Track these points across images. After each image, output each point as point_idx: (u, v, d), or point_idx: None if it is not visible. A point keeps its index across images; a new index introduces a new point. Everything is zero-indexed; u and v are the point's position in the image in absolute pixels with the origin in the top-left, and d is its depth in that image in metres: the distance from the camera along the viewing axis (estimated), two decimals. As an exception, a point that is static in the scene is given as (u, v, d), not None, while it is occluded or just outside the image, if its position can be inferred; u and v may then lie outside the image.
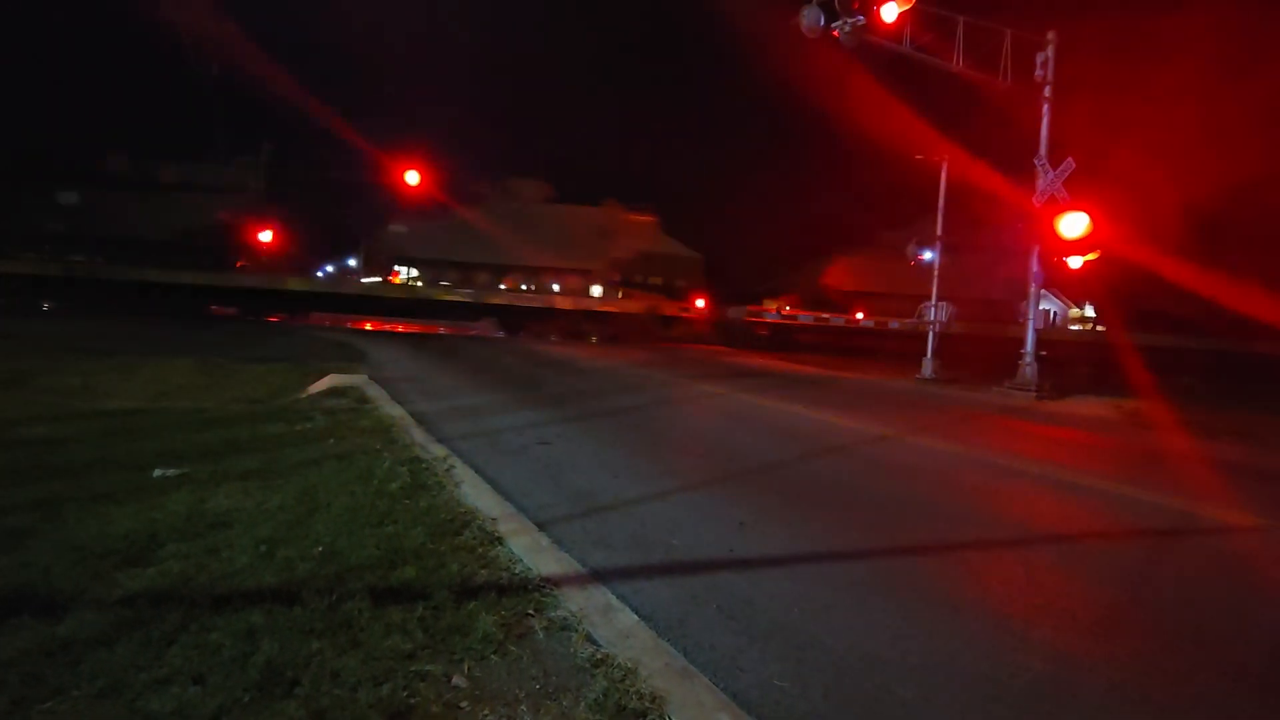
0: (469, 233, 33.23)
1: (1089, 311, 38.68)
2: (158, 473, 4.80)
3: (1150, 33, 18.42)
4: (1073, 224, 13.10)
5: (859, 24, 12.00)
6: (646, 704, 2.29)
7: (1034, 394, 13.59)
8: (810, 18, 12.08)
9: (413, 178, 23.38)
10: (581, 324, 29.42)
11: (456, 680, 2.42)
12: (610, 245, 34.20)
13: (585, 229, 33.76)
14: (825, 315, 30.71)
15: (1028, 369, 14.15)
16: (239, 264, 34.14)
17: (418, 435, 6.53)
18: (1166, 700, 2.60)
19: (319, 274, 39.36)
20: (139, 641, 2.51)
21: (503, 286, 32.89)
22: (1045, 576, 3.81)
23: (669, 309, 32.42)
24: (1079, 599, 3.52)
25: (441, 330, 29.40)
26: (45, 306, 28.09)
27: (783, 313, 31.33)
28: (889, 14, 12.11)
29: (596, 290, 36.00)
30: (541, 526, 4.12)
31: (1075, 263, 13.54)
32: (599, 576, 3.42)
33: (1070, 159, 13.45)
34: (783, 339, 30.47)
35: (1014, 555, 4.16)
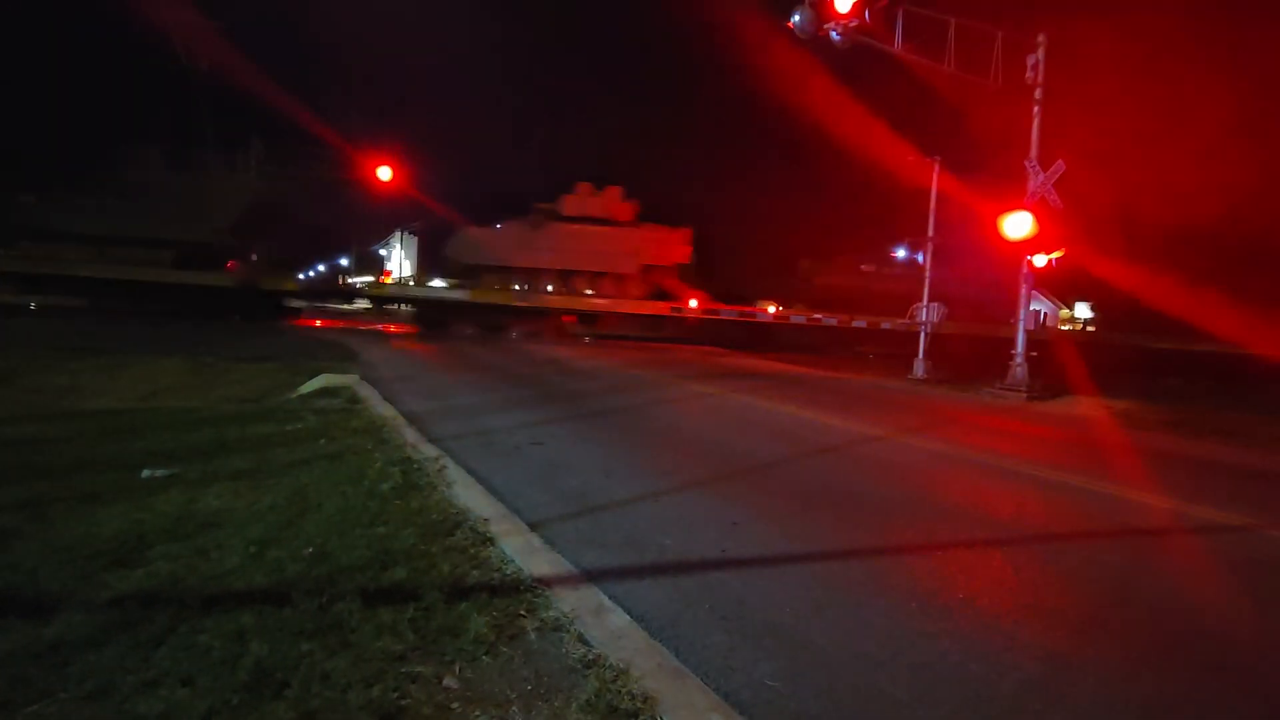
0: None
1: (1079, 312, 38.93)
2: (146, 473, 4.77)
3: (1140, 35, 18.56)
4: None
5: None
6: (638, 704, 2.30)
7: (1025, 394, 13.66)
8: (802, 18, 12.13)
9: (385, 173, 23.29)
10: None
11: (448, 681, 2.41)
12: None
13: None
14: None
15: (1018, 369, 14.23)
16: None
17: (410, 435, 6.50)
18: (1155, 699, 2.62)
19: (310, 272, 39.01)
20: (127, 643, 2.50)
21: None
22: (1035, 576, 3.83)
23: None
24: (1069, 598, 3.54)
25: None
26: (32, 305, 27.82)
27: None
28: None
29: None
30: (534, 527, 4.11)
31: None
32: (591, 577, 3.42)
33: (1061, 161, 13.53)
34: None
35: (1004, 555, 4.18)
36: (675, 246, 31.80)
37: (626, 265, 31.33)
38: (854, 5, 12.03)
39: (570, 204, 31.68)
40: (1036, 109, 14.19)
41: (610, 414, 9.09)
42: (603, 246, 31.04)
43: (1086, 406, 12.72)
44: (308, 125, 29.44)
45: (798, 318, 30.61)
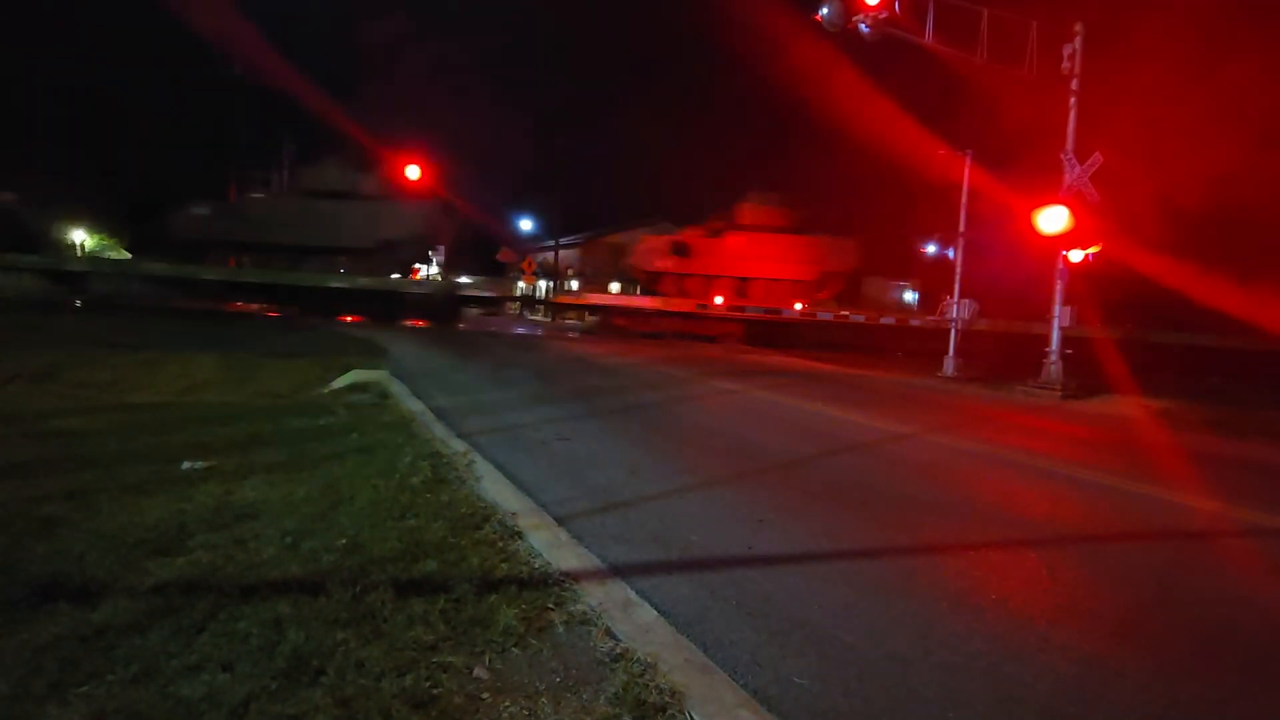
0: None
1: None
2: (186, 465, 4.90)
3: (1167, 27, 17.95)
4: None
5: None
6: (666, 698, 2.30)
7: (1060, 393, 13.34)
8: (831, 12, 11.99)
9: (413, 172, 23.57)
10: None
11: (478, 672, 2.44)
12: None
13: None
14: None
15: (1053, 367, 13.91)
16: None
17: (438, 430, 6.59)
18: (1194, 704, 2.55)
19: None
20: (170, 629, 2.58)
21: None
22: (1070, 577, 3.76)
23: None
24: (1104, 600, 3.47)
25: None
26: (78, 303, 28.74)
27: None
28: None
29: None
30: (561, 522, 4.14)
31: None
32: (618, 572, 3.43)
33: (1098, 153, 13.18)
34: None
35: (1038, 555, 4.10)
36: (846, 253, 32.08)
37: (807, 272, 31.64)
38: None
39: (745, 213, 31.80)
40: (1073, 100, 13.84)
41: (636, 410, 9.10)
42: (786, 253, 31.31)
43: (1124, 405, 12.40)
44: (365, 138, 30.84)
45: (824, 314, 30.30)
